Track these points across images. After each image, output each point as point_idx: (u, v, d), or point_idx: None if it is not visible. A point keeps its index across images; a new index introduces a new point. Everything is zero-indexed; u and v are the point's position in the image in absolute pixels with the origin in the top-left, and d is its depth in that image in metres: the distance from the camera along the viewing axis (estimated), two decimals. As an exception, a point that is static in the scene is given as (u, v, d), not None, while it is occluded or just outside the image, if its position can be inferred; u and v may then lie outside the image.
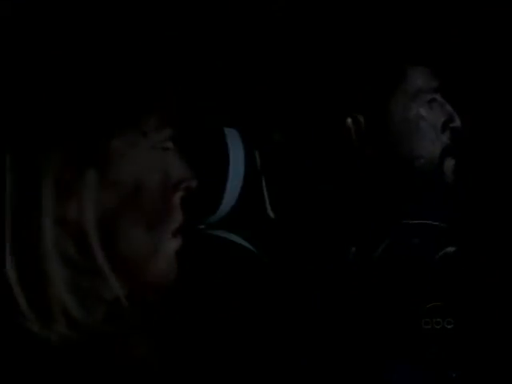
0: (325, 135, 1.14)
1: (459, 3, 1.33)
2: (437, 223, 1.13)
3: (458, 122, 1.12)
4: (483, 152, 1.33)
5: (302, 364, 0.99)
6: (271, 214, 1.21)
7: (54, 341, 0.65)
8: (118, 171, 0.69)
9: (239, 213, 1.22)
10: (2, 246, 0.65)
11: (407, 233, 1.12)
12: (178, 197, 0.74)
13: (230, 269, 1.11)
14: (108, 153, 0.68)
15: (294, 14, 1.36)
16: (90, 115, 0.67)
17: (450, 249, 1.11)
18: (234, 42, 1.42)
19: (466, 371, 1.01)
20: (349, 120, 1.10)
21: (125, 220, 0.69)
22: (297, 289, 1.07)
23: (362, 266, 1.10)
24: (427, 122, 1.10)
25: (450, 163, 1.11)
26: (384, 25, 1.15)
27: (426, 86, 1.11)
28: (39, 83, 0.67)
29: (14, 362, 0.63)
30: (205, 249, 1.16)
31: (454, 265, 1.11)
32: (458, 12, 1.33)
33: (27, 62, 0.68)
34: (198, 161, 1.19)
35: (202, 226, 1.22)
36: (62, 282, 0.66)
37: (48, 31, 0.69)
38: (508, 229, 1.19)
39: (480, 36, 1.37)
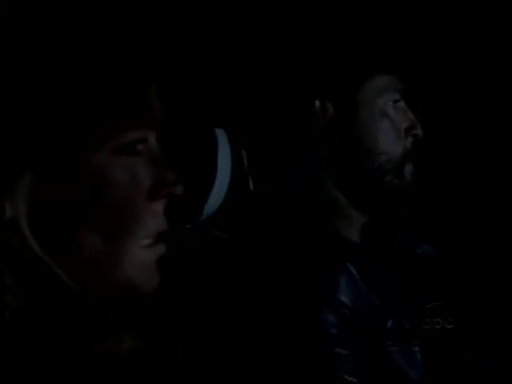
0: (294, 119, 1.15)
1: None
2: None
3: (419, 131, 1.14)
4: (440, 161, 1.38)
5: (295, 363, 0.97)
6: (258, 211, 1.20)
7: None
8: (71, 174, 0.66)
9: (226, 212, 1.20)
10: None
11: None
12: (158, 203, 0.70)
13: (216, 266, 1.10)
14: (59, 155, 0.66)
15: (276, 11, 1.37)
16: (37, 116, 0.65)
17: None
18: (217, 41, 1.41)
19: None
20: (317, 103, 1.12)
21: (77, 223, 0.67)
22: (282, 286, 1.04)
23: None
24: (391, 121, 1.12)
25: (410, 168, 1.13)
26: (359, 25, 1.17)
27: (393, 85, 1.13)
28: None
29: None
30: (191, 247, 1.15)
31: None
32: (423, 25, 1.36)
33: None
34: (185, 162, 1.18)
35: (189, 226, 1.19)
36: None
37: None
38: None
39: (442, 49, 1.42)
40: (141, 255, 0.69)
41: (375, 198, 1.13)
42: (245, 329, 0.99)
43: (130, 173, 0.68)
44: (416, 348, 1.06)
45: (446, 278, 1.12)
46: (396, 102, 1.13)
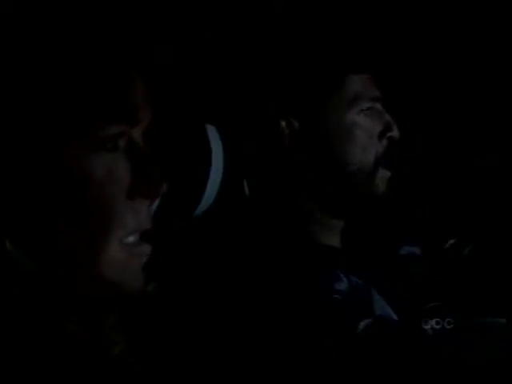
0: (259, 139, 1.13)
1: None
2: None
3: (395, 132, 1.11)
4: (418, 165, 1.37)
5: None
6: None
7: None
8: (46, 168, 0.64)
9: (217, 210, 1.19)
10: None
11: None
12: (140, 201, 0.67)
13: (208, 265, 1.09)
14: (32, 149, 0.64)
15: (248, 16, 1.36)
16: (12, 111, 0.63)
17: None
18: (208, 38, 1.40)
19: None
20: (283, 123, 1.10)
21: (53, 220, 0.65)
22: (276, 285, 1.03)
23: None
24: (362, 129, 1.10)
25: (383, 174, 1.11)
26: (326, 31, 1.16)
27: (363, 94, 1.10)
28: None
29: None
30: (183, 245, 1.14)
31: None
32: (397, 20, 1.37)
33: None
34: (177, 159, 1.16)
35: (180, 224, 1.18)
36: None
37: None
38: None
39: (422, 45, 1.41)
40: (121, 254, 0.66)
41: (349, 206, 1.11)
42: (239, 332, 0.98)
43: (108, 168, 0.66)
44: None
45: (433, 278, 1.11)
46: (368, 109, 1.10)
